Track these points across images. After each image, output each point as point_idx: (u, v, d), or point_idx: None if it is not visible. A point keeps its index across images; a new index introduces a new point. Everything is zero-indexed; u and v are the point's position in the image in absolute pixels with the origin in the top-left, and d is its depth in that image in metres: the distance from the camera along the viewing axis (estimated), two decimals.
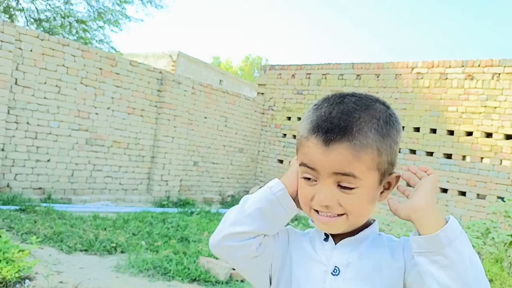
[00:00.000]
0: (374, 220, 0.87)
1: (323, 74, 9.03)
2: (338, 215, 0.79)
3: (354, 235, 0.83)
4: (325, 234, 0.85)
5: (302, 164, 0.80)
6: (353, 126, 0.76)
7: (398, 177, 0.85)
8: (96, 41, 12.96)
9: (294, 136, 9.36)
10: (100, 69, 6.76)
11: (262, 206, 0.82)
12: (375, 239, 0.85)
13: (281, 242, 0.88)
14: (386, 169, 0.81)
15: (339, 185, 0.77)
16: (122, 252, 4.39)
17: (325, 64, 9.03)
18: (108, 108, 6.95)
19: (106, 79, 6.85)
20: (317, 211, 0.81)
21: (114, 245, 4.42)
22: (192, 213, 6.92)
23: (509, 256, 5.06)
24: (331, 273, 0.81)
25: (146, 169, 7.70)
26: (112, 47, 13.09)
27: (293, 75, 9.54)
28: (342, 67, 8.75)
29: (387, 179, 0.83)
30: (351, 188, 0.77)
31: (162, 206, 7.29)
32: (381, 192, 0.84)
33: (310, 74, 9.23)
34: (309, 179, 0.80)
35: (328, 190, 0.77)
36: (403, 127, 7.93)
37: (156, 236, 5.05)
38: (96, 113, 6.79)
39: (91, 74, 6.65)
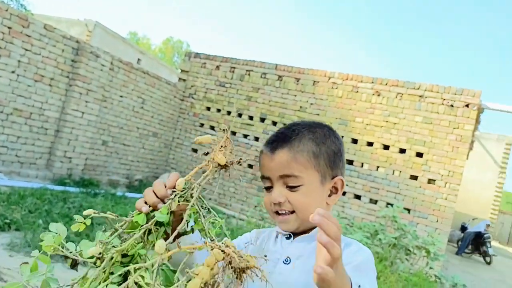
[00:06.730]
0: None
1: (247, 70, 9.18)
2: (290, 212, 0.93)
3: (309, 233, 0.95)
4: (289, 234, 0.97)
5: (261, 177, 0.98)
6: (292, 136, 0.95)
7: (342, 181, 0.99)
8: None
9: (212, 127, 9.38)
10: (9, 28, 6.07)
11: None
12: None
13: None
14: (327, 172, 0.95)
15: (287, 186, 0.93)
16: (16, 229, 4.05)
17: (250, 61, 9.19)
18: (13, 72, 6.27)
19: (14, 40, 6.17)
20: (277, 213, 0.95)
21: (8, 221, 4.05)
22: (96, 194, 6.58)
23: (391, 256, 5.71)
24: (283, 262, 0.93)
25: (48, 143, 7.12)
26: (21, 5, 11.78)
27: (217, 67, 9.54)
28: (265, 66, 8.99)
29: (330, 181, 0.97)
30: (296, 187, 0.92)
31: (63, 184, 6.81)
32: (330, 196, 0.98)
33: (234, 68, 9.32)
34: (268, 188, 0.96)
35: (278, 190, 0.94)
36: None
37: (55, 216, 4.72)
38: None
39: None
